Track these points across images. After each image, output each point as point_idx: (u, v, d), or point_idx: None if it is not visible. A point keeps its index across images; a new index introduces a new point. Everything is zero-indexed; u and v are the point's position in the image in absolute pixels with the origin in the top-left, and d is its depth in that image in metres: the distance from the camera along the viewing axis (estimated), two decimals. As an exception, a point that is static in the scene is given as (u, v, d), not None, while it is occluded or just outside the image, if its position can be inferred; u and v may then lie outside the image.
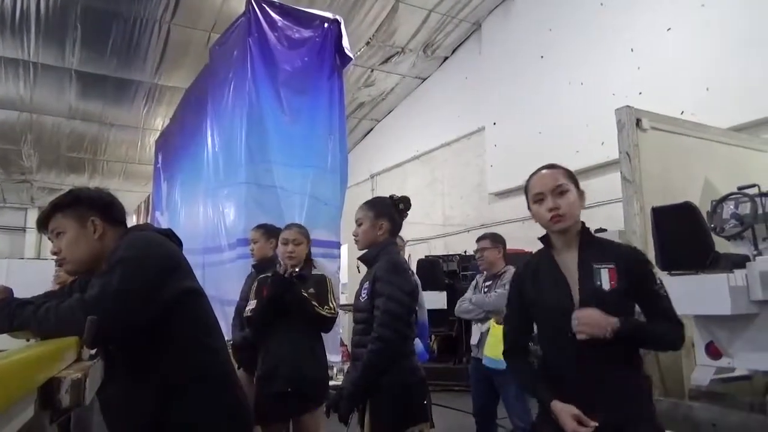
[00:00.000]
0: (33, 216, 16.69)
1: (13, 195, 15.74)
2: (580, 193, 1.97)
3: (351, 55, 5.88)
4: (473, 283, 4.59)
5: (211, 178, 6.16)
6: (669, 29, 7.02)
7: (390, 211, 2.58)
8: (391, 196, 2.66)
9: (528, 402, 3.68)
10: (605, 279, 1.77)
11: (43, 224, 1.61)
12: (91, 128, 12.12)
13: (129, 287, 1.38)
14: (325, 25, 5.76)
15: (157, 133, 11.52)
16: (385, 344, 2.25)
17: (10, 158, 13.27)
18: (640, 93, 6.92)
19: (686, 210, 3.41)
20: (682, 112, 5.78)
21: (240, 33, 5.67)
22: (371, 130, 13.48)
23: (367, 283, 2.44)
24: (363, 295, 2.44)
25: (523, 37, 9.19)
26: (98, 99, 10.94)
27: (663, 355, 3.99)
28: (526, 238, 8.75)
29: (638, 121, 4.37)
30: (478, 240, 4.12)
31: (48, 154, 13.16)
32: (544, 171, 1.99)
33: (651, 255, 3.99)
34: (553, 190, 1.91)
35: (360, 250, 2.60)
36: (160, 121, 11.68)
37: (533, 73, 8.90)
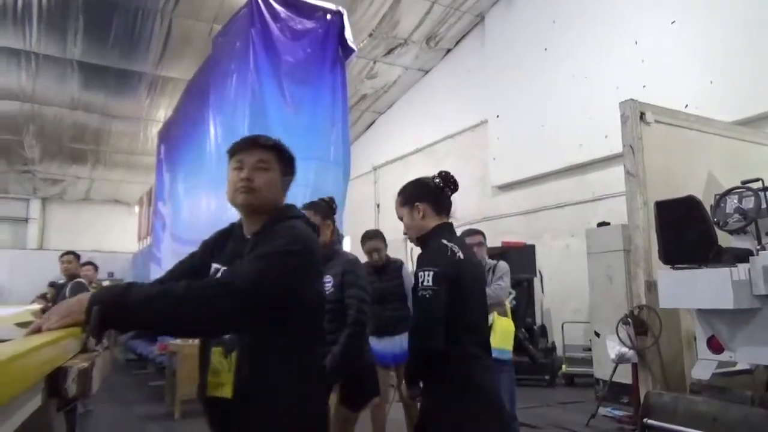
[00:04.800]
0: (35, 206, 16.75)
1: (16, 185, 15.74)
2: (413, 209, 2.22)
3: (354, 47, 5.86)
4: None
5: (214, 168, 6.15)
6: (673, 22, 6.98)
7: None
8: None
9: (516, 395, 3.78)
10: None
11: (252, 147, 1.61)
12: (94, 119, 12.10)
13: (284, 285, 1.39)
14: (328, 16, 5.74)
15: (160, 125, 11.50)
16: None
17: (12, 149, 13.26)
18: (644, 86, 6.90)
19: (689, 204, 3.41)
20: (687, 106, 5.76)
21: (242, 24, 5.65)
22: (374, 122, 13.46)
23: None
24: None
25: (526, 29, 9.15)
26: (100, 90, 10.92)
27: (664, 349, 4.01)
28: (527, 231, 8.86)
29: (642, 115, 4.35)
30: (470, 234, 4.03)
31: (50, 145, 13.15)
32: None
33: (654, 249, 4.01)
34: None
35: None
36: (162, 113, 11.66)
37: (536, 65, 8.86)
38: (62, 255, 5.00)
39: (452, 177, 2.31)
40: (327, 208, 3.02)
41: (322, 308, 1.60)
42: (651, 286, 4.10)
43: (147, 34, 9.26)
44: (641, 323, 4.09)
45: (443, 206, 2.25)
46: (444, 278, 1.97)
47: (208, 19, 8.90)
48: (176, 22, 9.05)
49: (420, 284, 1.98)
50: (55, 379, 0.82)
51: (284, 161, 1.65)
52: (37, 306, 6.07)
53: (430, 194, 2.26)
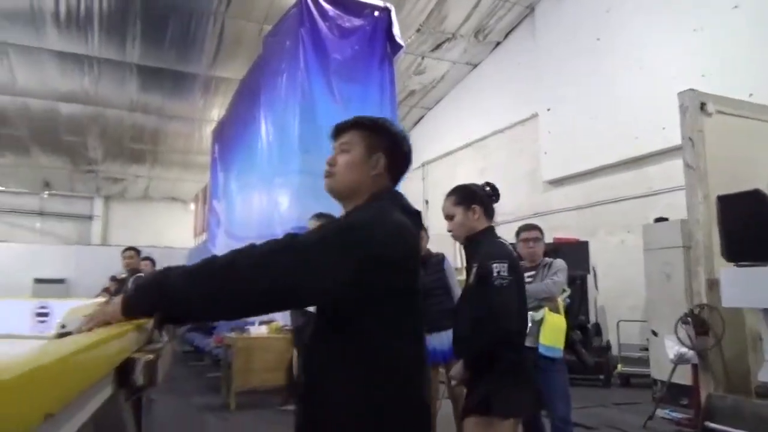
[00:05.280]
0: (99, 204, 17.56)
1: (81, 185, 16.54)
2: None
3: (402, 43, 5.87)
4: None
5: (266, 166, 6.29)
6: (736, 6, 6.65)
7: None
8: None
9: (571, 398, 3.62)
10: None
11: (338, 132, 1.51)
12: (151, 120, 12.58)
13: (333, 276, 1.19)
14: (376, 13, 5.76)
15: (213, 124, 11.84)
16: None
17: (77, 150, 13.95)
18: (703, 75, 6.60)
19: (754, 198, 3.25)
20: (751, 95, 5.47)
21: (292, 24, 5.75)
22: (422, 118, 13.42)
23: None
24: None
25: (578, 19, 8.91)
26: (157, 92, 11.34)
27: (727, 350, 3.84)
28: (580, 226, 8.65)
29: (702, 105, 4.18)
30: (527, 229, 3.97)
31: (112, 146, 13.75)
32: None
33: (715, 245, 3.85)
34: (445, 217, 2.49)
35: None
36: (216, 112, 12.00)
37: (589, 56, 8.62)
38: (124, 250, 5.23)
39: (497, 188, 2.57)
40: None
41: (400, 298, 1.33)
42: (712, 284, 3.94)
43: (201, 36, 9.54)
44: (702, 323, 3.94)
45: (491, 211, 2.50)
46: (514, 270, 2.27)
47: (259, 20, 9.08)
48: (228, 23, 9.28)
49: (497, 274, 2.22)
50: (124, 370, 0.87)
51: (370, 137, 1.47)
52: (101, 299, 6.36)
53: (483, 199, 2.49)
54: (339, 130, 1.52)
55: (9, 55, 9.76)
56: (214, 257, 1.19)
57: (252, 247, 1.19)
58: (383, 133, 1.50)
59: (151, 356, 0.89)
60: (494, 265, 2.24)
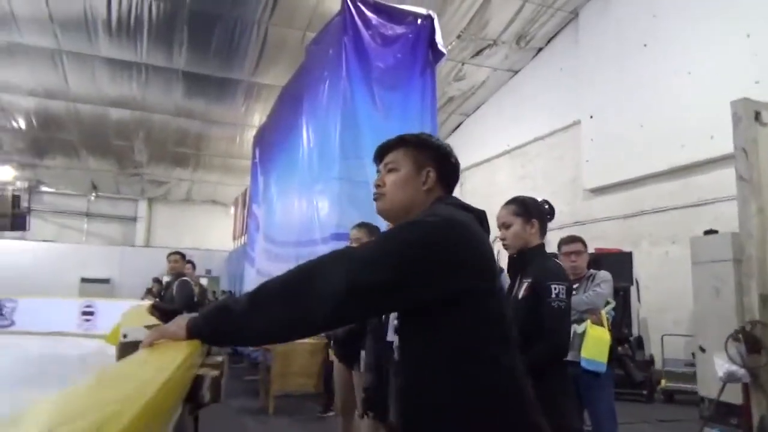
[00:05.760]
0: (143, 207, 18.07)
1: (126, 187, 17.06)
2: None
3: (444, 51, 5.86)
4: None
5: (306, 173, 6.36)
6: (793, 12, 6.41)
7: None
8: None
9: (617, 413, 3.51)
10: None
11: (382, 153, 1.47)
12: (195, 125, 12.90)
13: (393, 277, 1.12)
14: (419, 21, 5.77)
15: (255, 130, 12.05)
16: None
17: (124, 153, 14.42)
18: (757, 82, 6.39)
19: (814, 212, 3.11)
20: (808, 103, 5.25)
21: (335, 32, 5.80)
22: (460, 124, 13.35)
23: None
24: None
25: (624, 25, 8.73)
26: (201, 97, 11.62)
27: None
28: (622, 236, 8.44)
29: (757, 114, 4.02)
30: (570, 242, 3.83)
31: (157, 150, 14.15)
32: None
33: (770, 260, 3.70)
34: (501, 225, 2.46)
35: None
36: (257, 118, 12.22)
37: (635, 62, 8.43)
38: (170, 255, 5.35)
39: (553, 207, 2.67)
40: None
41: (474, 302, 1.21)
42: (766, 300, 3.79)
43: (244, 43, 9.73)
44: (754, 340, 3.79)
45: (545, 229, 2.51)
46: (569, 294, 2.37)
47: (301, 27, 9.21)
48: (271, 31, 9.44)
49: (555, 295, 2.29)
50: (192, 387, 0.88)
51: (416, 152, 1.42)
52: (147, 302, 6.53)
53: (542, 215, 2.49)
54: (383, 151, 1.48)
55: (63, 61, 10.16)
56: (273, 279, 1.16)
57: (301, 265, 1.17)
58: (429, 147, 1.46)
59: (216, 373, 0.91)
60: (553, 285, 2.28)
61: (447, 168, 1.46)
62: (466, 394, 1.17)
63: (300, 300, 1.09)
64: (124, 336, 1.11)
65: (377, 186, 1.44)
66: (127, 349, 1.06)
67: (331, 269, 1.12)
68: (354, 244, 3.54)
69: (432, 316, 1.20)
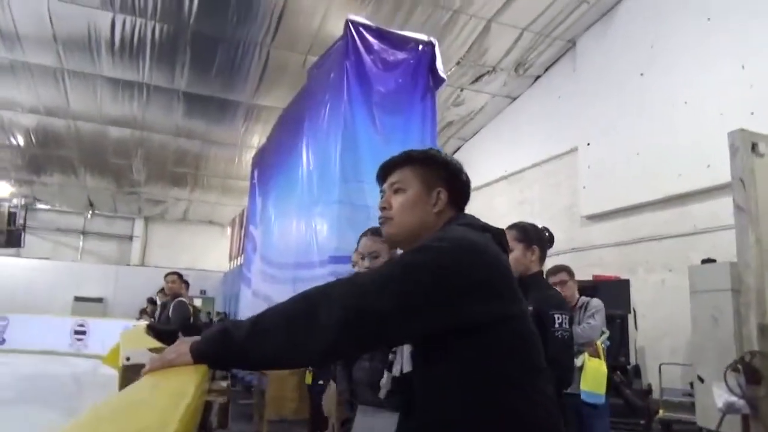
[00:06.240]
0: (140, 225, 18.03)
1: (123, 206, 17.04)
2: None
3: (444, 77, 5.91)
4: None
5: (305, 195, 6.36)
6: (787, 45, 6.52)
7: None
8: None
9: None
10: None
11: (387, 171, 1.37)
12: (195, 145, 12.95)
13: (398, 304, 1.04)
14: (420, 47, 5.83)
15: (254, 150, 12.09)
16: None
17: (122, 172, 14.43)
18: (752, 113, 6.46)
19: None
20: (804, 135, 5.31)
21: (337, 56, 5.86)
22: (459, 148, 13.44)
23: None
24: None
25: (621, 54, 8.86)
26: (202, 118, 11.68)
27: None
28: (618, 263, 8.45)
29: (754, 145, 4.07)
30: (554, 272, 3.82)
31: (155, 169, 14.17)
32: None
33: (768, 290, 3.70)
34: None
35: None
36: (256, 139, 12.27)
37: (632, 91, 8.54)
38: (167, 275, 5.32)
39: (553, 235, 2.78)
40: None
41: (495, 327, 1.13)
42: (765, 330, 3.79)
43: (246, 65, 9.82)
44: (754, 371, 3.77)
45: (545, 257, 2.57)
46: (571, 323, 2.45)
47: (303, 51, 9.32)
48: (273, 54, 9.54)
49: (559, 325, 2.33)
50: (202, 413, 0.87)
51: (425, 171, 1.33)
52: (143, 323, 6.47)
53: (542, 242, 2.54)
54: (388, 169, 1.37)
55: (65, 80, 10.22)
56: (278, 305, 1.11)
57: (306, 292, 1.12)
58: (438, 164, 1.35)
59: (224, 399, 0.90)
60: (556, 315, 2.32)
61: (458, 186, 1.36)
62: (494, 428, 1.08)
63: (302, 328, 1.03)
64: (127, 359, 1.10)
65: (383, 208, 1.34)
66: (129, 372, 1.05)
67: (335, 297, 1.06)
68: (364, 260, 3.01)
69: (449, 344, 1.11)
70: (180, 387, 0.74)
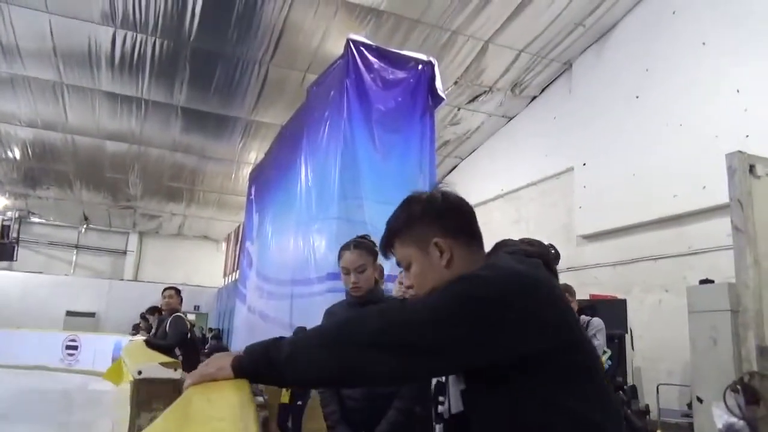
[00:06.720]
0: (134, 240, 17.95)
1: (118, 220, 16.98)
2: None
3: (443, 96, 5.98)
4: None
5: (303, 211, 6.37)
6: (781, 69, 6.63)
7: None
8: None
9: None
10: None
11: (385, 253, 1.35)
12: (192, 160, 12.96)
13: (454, 337, 1.01)
14: (419, 66, 5.91)
15: (250, 166, 12.11)
16: None
17: (118, 186, 14.41)
18: (747, 136, 6.53)
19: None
20: (798, 158, 5.38)
21: (337, 74, 5.92)
22: (455, 167, 13.51)
23: None
24: None
25: (616, 76, 8.97)
26: (199, 133, 11.71)
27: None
28: (614, 283, 8.46)
29: (751, 167, 4.12)
30: None
31: (151, 183, 14.17)
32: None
33: (767, 310, 3.72)
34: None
35: None
36: (254, 155, 12.30)
37: (627, 113, 8.62)
38: (164, 290, 5.27)
39: (559, 253, 2.67)
40: (373, 246, 2.54)
41: (573, 363, 1.09)
42: (764, 351, 3.79)
43: (245, 82, 9.88)
44: (753, 391, 3.78)
45: (554, 274, 2.53)
46: None
47: (302, 68, 9.39)
48: (272, 71, 9.61)
49: None
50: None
51: (410, 236, 1.29)
52: (139, 338, 6.40)
53: (550, 259, 2.46)
54: (385, 252, 1.35)
55: (64, 94, 10.25)
56: (330, 325, 1.13)
57: (361, 315, 1.11)
58: (416, 217, 1.28)
59: (266, 413, 0.89)
60: None
61: (449, 220, 1.28)
62: None
63: (351, 354, 1.03)
64: (139, 372, 1.09)
65: (408, 288, 1.44)
66: (142, 386, 1.04)
67: (388, 327, 1.04)
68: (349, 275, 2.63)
69: (505, 380, 1.07)
70: (232, 399, 0.73)
